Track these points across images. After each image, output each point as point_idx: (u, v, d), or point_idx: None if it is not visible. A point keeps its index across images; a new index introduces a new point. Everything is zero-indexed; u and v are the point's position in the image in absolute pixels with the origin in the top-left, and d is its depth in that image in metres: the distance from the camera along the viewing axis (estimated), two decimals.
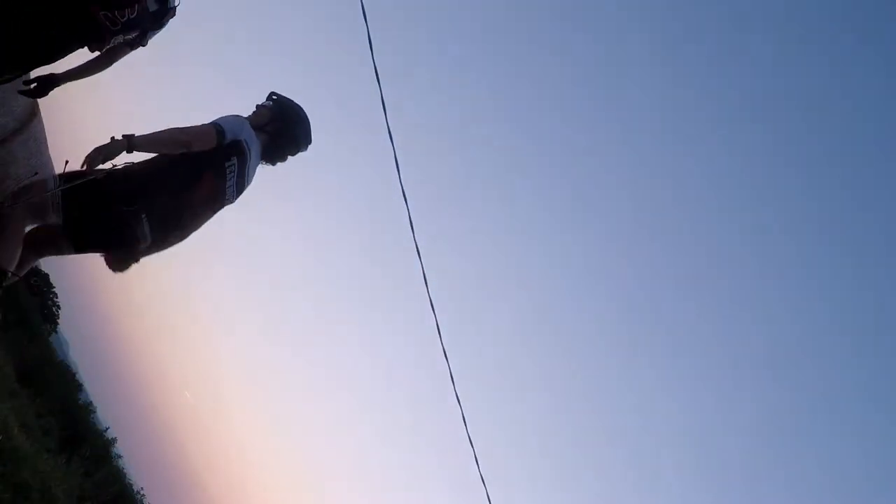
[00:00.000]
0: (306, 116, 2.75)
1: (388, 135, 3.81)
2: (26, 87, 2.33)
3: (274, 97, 2.73)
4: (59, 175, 2.38)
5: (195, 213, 2.50)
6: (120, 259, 2.41)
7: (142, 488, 17.36)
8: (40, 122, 2.69)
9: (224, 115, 2.50)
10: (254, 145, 2.56)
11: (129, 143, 2.20)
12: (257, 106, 2.71)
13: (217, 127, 2.39)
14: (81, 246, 2.38)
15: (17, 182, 2.46)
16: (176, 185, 2.40)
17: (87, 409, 16.31)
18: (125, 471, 17.31)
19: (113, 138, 2.20)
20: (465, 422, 4.96)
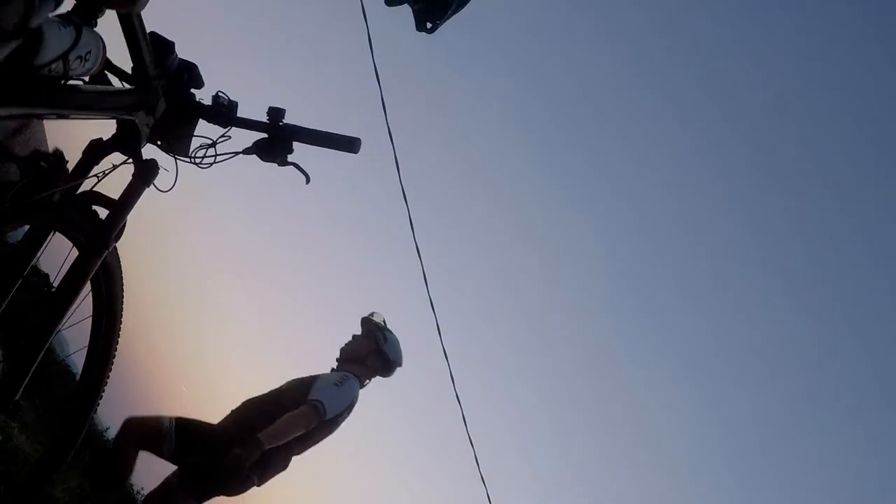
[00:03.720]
0: (398, 344, 2.99)
1: (388, 135, 3.82)
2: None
3: (367, 326, 2.98)
4: (175, 419, 2.65)
5: (302, 453, 2.78)
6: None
7: (142, 488, 17.29)
8: (40, 122, 2.69)
9: (325, 382, 2.76)
10: (355, 387, 2.83)
11: (262, 447, 2.46)
12: (354, 336, 2.97)
13: (319, 408, 2.62)
14: (200, 496, 2.56)
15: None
16: (292, 451, 2.70)
17: None
18: None
19: (249, 447, 2.47)
20: (465, 422, 4.96)
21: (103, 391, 1.95)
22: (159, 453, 2.64)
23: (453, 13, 1.79)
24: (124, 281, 1.84)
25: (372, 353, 2.93)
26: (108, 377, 1.94)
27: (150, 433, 2.63)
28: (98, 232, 1.61)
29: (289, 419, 2.60)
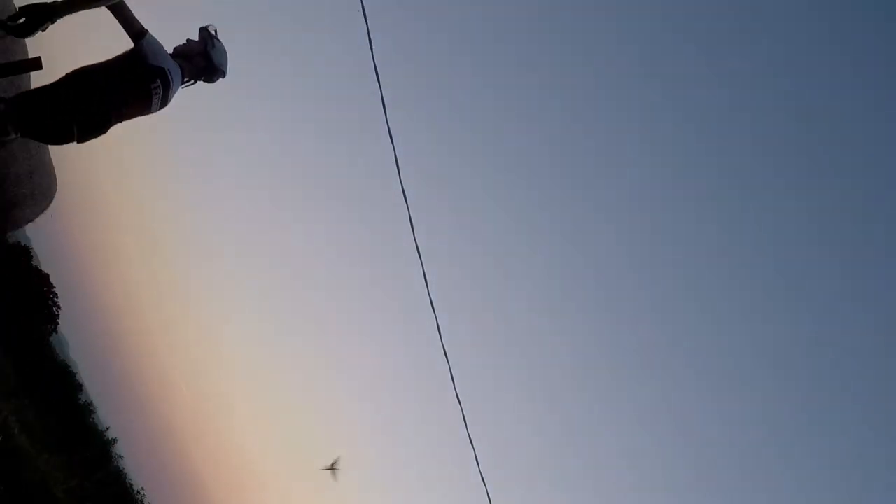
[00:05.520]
0: (225, 53, 3.26)
1: (388, 135, 3.82)
2: (13, 23, 2.51)
3: (202, 34, 3.22)
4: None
5: (120, 122, 2.98)
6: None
7: (142, 488, 17.35)
8: None
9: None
10: (176, 75, 3.06)
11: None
12: (188, 40, 3.18)
13: (148, 37, 2.83)
14: (23, 131, 2.73)
15: (18, 182, 2.47)
16: (109, 105, 2.84)
17: (87, 409, 16.29)
18: (125, 471, 17.30)
19: None
20: (465, 422, 4.96)
21: None
22: (5, 133, 2.71)
23: None
24: None
25: (200, 53, 3.17)
26: None
27: None
28: None
29: None
